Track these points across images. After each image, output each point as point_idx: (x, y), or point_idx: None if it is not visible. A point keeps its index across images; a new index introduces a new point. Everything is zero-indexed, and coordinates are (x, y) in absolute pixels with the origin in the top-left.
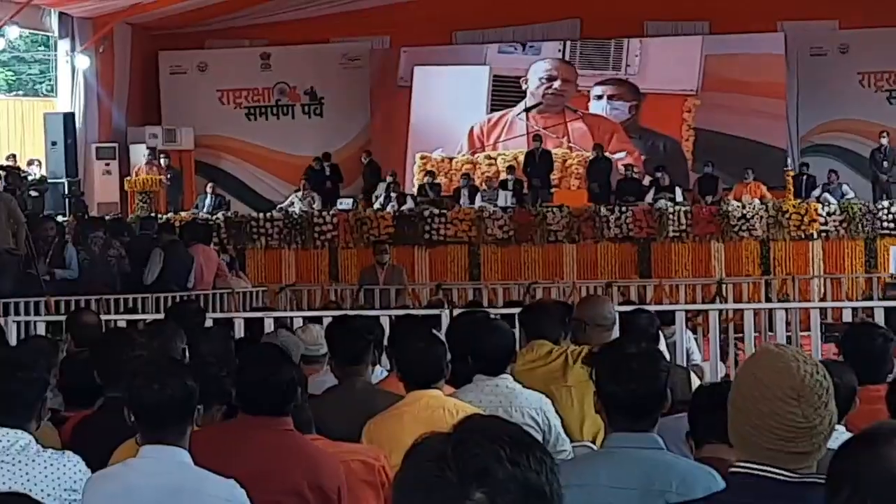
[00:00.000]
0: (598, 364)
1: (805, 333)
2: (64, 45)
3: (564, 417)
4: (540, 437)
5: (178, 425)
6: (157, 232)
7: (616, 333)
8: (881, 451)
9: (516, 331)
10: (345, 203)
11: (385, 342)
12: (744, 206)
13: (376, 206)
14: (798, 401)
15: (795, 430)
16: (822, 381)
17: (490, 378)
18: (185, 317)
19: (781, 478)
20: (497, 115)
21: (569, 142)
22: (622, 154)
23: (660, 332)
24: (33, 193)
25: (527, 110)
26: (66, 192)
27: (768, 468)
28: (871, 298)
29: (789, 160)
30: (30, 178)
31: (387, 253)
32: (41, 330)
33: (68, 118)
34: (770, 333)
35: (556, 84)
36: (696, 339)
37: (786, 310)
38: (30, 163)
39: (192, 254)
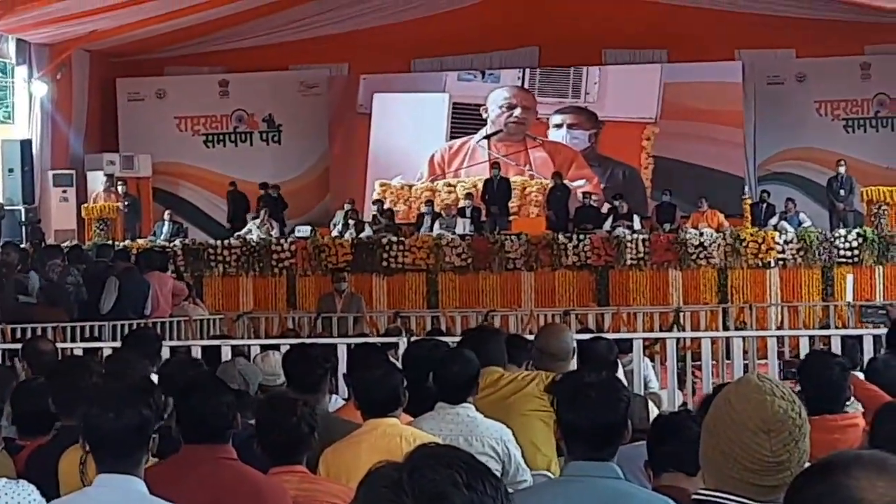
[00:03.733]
0: (558, 392)
1: (762, 362)
2: (21, 72)
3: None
4: (499, 468)
5: (134, 454)
6: (112, 260)
7: (575, 362)
8: (838, 481)
9: None
10: (303, 230)
11: (343, 370)
12: (701, 234)
13: (334, 233)
14: (767, 434)
15: (761, 464)
16: (795, 418)
17: (451, 406)
18: (141, 344)
19: None
20: (458, 142)
21: (530, 169)
22: (582, 182)
23: (617, 360)
24: None
25: (487, 137)
26: (23, 219)
27: (731, 497)
28: (828, 327)
29: (747, 188)
30: None
31: (345, 281)
32: None
33: (25, 145)
34: (727, 361)
35: (517, 112)
36: (653, 367)
37: (743, 338)
38: None
39: (148, 281)
